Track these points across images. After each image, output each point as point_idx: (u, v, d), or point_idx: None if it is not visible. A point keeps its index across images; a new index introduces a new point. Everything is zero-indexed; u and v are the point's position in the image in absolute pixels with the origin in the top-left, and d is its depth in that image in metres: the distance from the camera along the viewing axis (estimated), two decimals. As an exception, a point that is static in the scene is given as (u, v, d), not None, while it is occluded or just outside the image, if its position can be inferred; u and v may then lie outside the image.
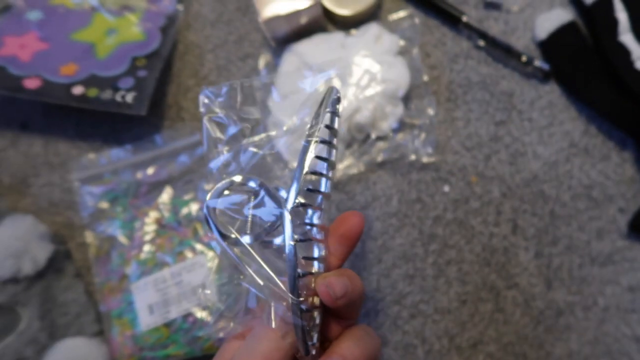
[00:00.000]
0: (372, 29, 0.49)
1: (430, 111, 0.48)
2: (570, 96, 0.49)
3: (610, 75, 0.47)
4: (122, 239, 0.47)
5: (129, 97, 0.47)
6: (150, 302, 0.45)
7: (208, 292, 0.44)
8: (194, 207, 0.48)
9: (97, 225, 0.48)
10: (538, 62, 0.48)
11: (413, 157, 0.48)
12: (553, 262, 0.46)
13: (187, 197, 0.48)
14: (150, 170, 0.49)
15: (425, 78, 0.49)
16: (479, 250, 0.46)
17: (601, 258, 0.45)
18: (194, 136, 0.50)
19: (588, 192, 0.47)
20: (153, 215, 0.48)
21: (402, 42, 0.49)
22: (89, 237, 0.48)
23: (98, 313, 0.45)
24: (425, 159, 0.48)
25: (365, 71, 0.47)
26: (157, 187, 0.49)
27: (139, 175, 0.49)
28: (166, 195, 0.49)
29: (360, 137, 0.48)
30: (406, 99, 0.49)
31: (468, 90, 0.50)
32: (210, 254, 0.46)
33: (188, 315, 0.44)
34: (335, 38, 0.49)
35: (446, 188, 0.48)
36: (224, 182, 0.32)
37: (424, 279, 0.46)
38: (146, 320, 0.44)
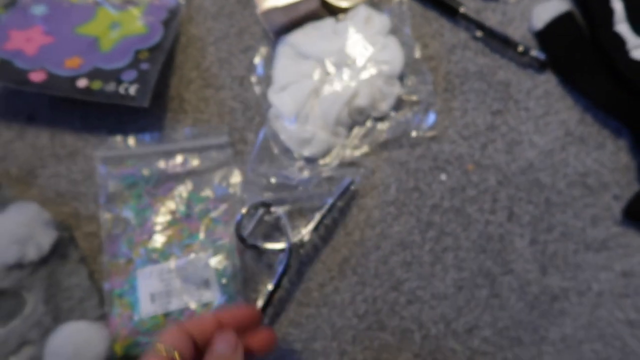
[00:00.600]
0: (361, 12, 0.50)
1: (427, 85, 0.49)
2: (566, 85, 0.49)
3: (606, 65, 0.48)
4: (134, 223, 0.49)
5: (132, 90, 0.49)
6: (153, 291, 0.46)
7: (210, 289, 0.46)
8: (210, 205, 0.49)
9: (112, 206, 0.49)
10: (534, 52, 0.49)
11: (414, 133, 0.49)
12: (548, 249, 0.46)
13: (204, 193, 0.49)
14: (173, 162, 0.50)
15: (418, 54, 0.50)
16: (475, 237, 0.47)
17: (596, 244, 0.46)
18: (223, 136, 0.51)
19: (583, 180, 0.47)
20: (168, 205, 0.49)
21: (392, 21, 0.50)
22: (103, 215, 0.49)
23: (101, 297, 0.47)
24: (427, 134, 0.49)
25: (360, 54, 0.48)
26: (177, 179, 0.50)
27: (162, 164, 0.50)
28: (184, 189, 0.50)
29: (361, 120, 0.49)
30: (402, 77, 0.50)
31: (465, 81, 0.50)
32: (216, 252, 0.47)
33: (186, 308, 0.45)
34: (326, 25, 0.50)
35: (443, 176, 0.49)
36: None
37: (421, 265, 0.47)
38: (146, 308, 0.45)
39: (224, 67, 0.54)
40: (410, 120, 0.49)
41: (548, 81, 0.50)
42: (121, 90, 0.49)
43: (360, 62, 0.48)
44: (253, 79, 0.52)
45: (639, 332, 0.44)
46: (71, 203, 0.51)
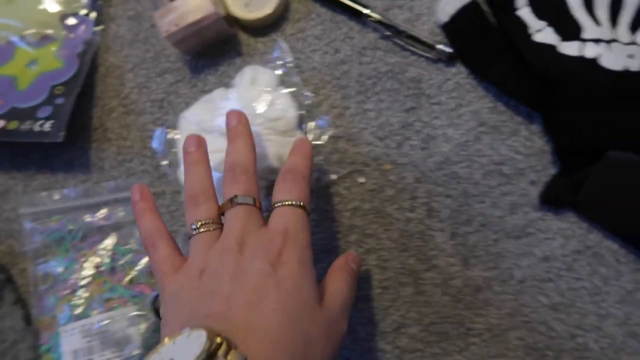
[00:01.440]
0: (245, 74, 0.49)
1: (327, 129, 0.49)
2: (476, 76, 0.49)
3: (513, 52, 0.48)
4: (61, 278, 0.49)
5: (47, 126, 0.49)
6: (76, 348, 0.47)
7: (131, 343, 0.46)
8: (135, 257, 0.50)
9: (39, 261, 0.50)
10: (441, 46, 0.49)
11: (333, 176, 0.49)
12: (469, 241, 0.46)
13: (129, 246, 0.50)
14: (98, 215, 0.51)
15: (309, 98, 0.50)
16: (396, 236, 0.47)
17: (515, 232, 0.46)
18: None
19: (499, 169, 0.47)
20: (92, 259, 0.50)
21: (278, 72, 0.50)
22: (30, 271, 0.50)
23: (36, 339, 0.47)
24: (333, 177, 0.49)
25: (255, 118, 0.47)
26: (102, 232, 0.50)
27: (87, 218, 0.51)
28: (110, 242, 0.50)
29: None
30: (301, 124, 0.50)
31: (377, 81, 0.50)
32: (136, 306, 0.48)
33: None
34: (217, 95, 0.49)
35: (361, 179, 0.49)
36: None
37: (346, 269, 0.47)
38: None
39: (142, 92, 0.54)
40: (324, 166, 0.49)
41: (458, 73, 0.49)
42: (36, 127, 0.49)
43: (257, 125, 0.47)
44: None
45: (563, 315, 0.44)
46: (6, 241, 0.53)
